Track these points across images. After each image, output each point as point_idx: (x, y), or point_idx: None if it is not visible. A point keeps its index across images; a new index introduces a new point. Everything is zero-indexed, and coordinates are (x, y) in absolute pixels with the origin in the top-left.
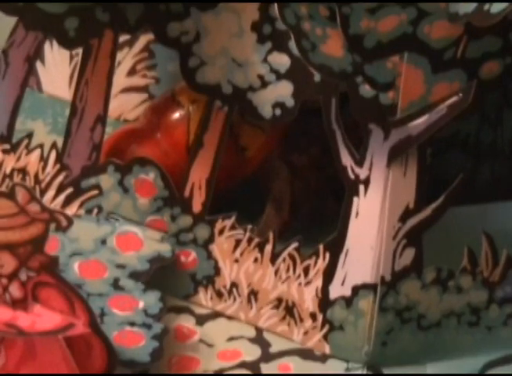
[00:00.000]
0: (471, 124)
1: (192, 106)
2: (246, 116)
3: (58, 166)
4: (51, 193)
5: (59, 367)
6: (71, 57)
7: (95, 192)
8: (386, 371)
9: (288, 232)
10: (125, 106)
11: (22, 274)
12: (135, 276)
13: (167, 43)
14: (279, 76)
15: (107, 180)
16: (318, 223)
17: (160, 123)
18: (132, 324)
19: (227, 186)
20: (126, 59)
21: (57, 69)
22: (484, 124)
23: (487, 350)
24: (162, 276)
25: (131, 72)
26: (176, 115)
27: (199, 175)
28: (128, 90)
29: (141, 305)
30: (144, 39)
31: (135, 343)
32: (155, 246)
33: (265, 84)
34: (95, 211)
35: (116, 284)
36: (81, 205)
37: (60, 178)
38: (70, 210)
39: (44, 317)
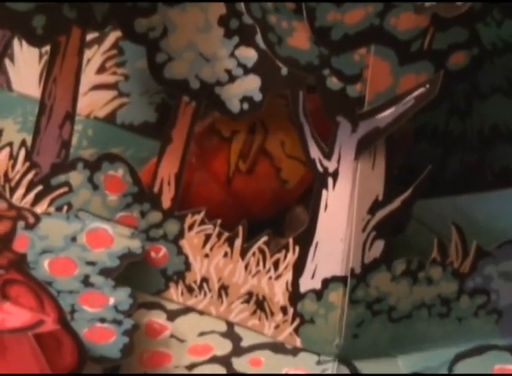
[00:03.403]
0: (440, 115)
1: (233, 137)
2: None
3: (27, 164)
4: (21, 191)
5: (29, 364)
6: (41, 55)
7: (65, 189)
8: (357, 364)
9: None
10: (95, 103)
11: None
12: (105, 272)
13: (135, 39)
14: (247, 70)
15: (77, 177)
16: None
17: (199, 152)
18: (103, 320)
19: (268, 215)
20: (95, 56)
21: (27, 67)
22: (453, 115)
23: (458, 341)
24: (132, 273)
25: (101, 69)
26: (216, 145)
27: (168, 171)
28: (97, 87)
29: (111, 301)
30: (113, 36)
31: (106, 339)
32: (125, 242)
33: (232, 78)
34: (65, 208)
35: (86, 281)
36: (50, 203)
37: (30, 176)
38: (40, 207)
39: (13, 315)
